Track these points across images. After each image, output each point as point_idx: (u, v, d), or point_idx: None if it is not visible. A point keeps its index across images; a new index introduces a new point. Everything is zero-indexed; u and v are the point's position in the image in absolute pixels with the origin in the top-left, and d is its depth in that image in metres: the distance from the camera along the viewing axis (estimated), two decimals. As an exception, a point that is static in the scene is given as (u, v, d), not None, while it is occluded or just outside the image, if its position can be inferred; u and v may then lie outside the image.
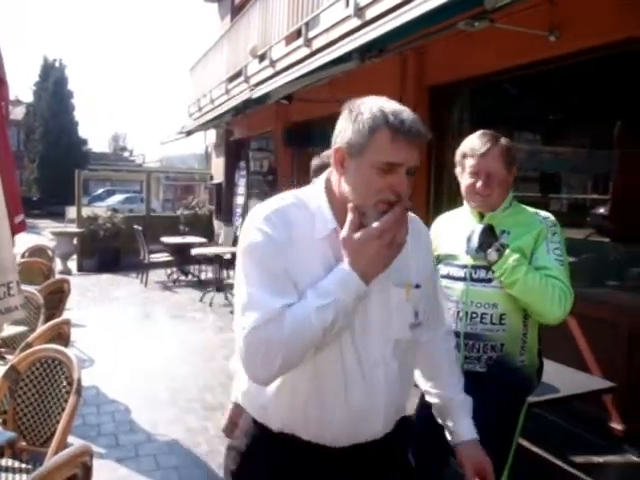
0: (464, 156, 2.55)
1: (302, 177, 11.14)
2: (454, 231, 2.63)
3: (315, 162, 2.71)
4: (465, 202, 2.63)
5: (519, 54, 5.17)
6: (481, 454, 1.89)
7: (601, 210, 5.62)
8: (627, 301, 4.65)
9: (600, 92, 5.02)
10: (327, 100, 8.66)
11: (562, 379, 3.47)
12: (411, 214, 1.74)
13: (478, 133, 2.55)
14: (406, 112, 1.60)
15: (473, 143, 2.52)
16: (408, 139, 1.57)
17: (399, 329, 1.70)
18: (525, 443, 2.59)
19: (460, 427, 1.93)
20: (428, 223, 2.80)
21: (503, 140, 2.50)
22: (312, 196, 1.73)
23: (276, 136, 11.19)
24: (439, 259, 2.62)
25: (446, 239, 2.63)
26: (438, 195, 6.43)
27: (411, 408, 2.15)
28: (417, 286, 1.72)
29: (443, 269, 2.59)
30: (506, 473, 2.45)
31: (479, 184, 2.48)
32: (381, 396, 1.68)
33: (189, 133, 15.01)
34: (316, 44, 7.40)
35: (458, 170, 2.60)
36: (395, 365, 1.70)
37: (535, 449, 2.64)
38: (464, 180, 2.56)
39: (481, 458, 1.89)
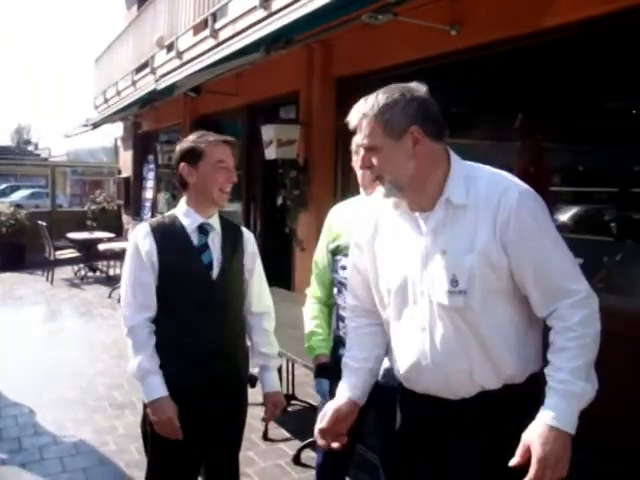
0: (359, 145, 2.55)
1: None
2: (353, 221, 2.58)
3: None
4: (362, 191, 2.61)
5: (422, 47, 5.26)
6: (534, 437, 1.68)
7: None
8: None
9: (501, 85, 5.17)
10: (235, 92, 8.61)
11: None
12: (521, 189, 1.83)
13: None
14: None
15: None
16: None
17: (439, 294, 1.84)
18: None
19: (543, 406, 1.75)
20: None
21: None
22: None
23: (185, 129, 11.01)
24: (339, 250, 2.61)
25: (346, 230, 2.61)
26: (345, 186, 6.48)
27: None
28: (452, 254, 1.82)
29: (343, 260, 2.56)
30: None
31: None
32: (426, 357, 1.89)
33: (95, 126, 14.56)
34: (223, 35, 7.32)
35: (354, 159, 2.58)
36: (441, 330, 1.86)
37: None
38: (360, 169, 2.54)
39: (531, 440, 1.68)
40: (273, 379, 2.83)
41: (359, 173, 2.56)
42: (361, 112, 1.90)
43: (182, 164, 2.57)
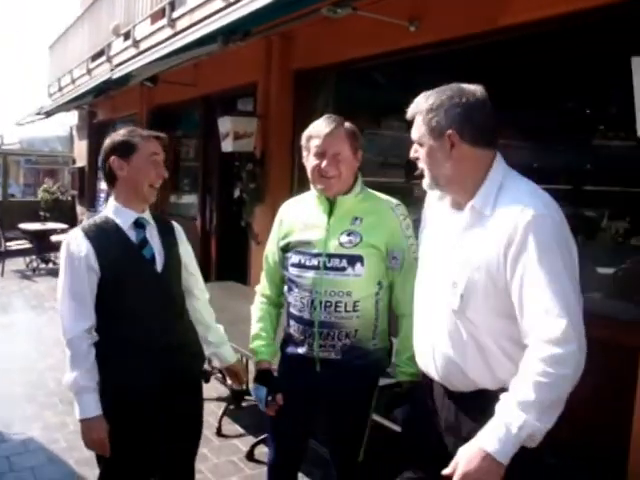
0: (309, 138, 2.51)
1: (166, 161, 10.82)
2: (304, 218, 2.58)
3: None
4: (312, 186, 2.57)
5: (381, 42, 5.24)
6: (462, 454, 1.75)
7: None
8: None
9: (458, 82, 5.19)
10: (192, 83, 8.50)
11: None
12: (539, 212, 1.82)
13: (324, 116, 2.54)
14: None
15: (318, 125, 2.50)
16: None
17: (443, 291, 1.99)
18: (380, 419, 2.68)
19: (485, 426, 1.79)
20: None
21: (348, 124, 2.52)
22: None
23: (141, 119, 10.84)
24: (289, 247, 2.57)
25: (296, 226, 2.58)
26: (301, 180, 6.44)
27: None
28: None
29: (294, 257, 2.53)
30: (362, 451, 2.49)
31: (324, 164, 2.44)
32: (431, 343, 2.06)
33: (49, 114, 14.23)
34: (181, 25, 7.21)
35: (304, 155, 2.56)
36: (443, 323, 2.01)
37: (387, 423, 2.74)
38: (309, 162, 2.51)
39: (460, 457, 1.76)
40: (230, 351, 2.91)
41: (309, 169, 2.53)
42: (415, 108, 2.05)
43: (113, 157, 2.49)
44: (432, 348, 2.06)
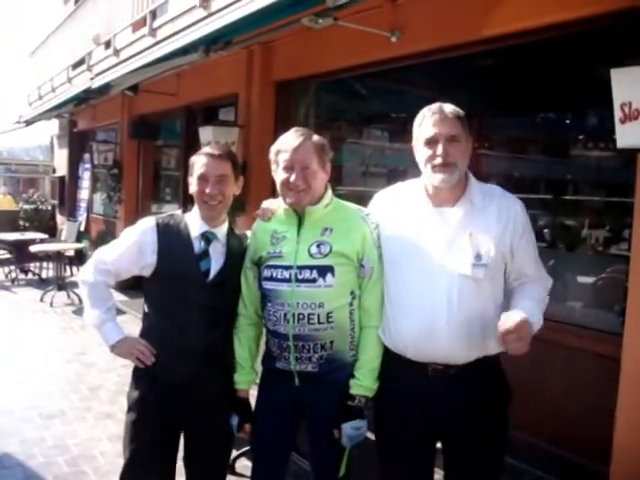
0: (277, 152, 2.50)
1: (147, 170, 10.81)
2: (274, 231, 2.57)
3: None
4: (281, 199, 2.55)
5: (363, 53, 5.26)
6: (511, 320, 2.14)
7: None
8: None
9: (439, 92, 5.21)
10: (174, 93, 8.47)
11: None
12: (519, 201, 2.43)
13: (292, 130, 2.53)
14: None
15: (286, 138, 2.49)
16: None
17: (463, 266, 2.27)
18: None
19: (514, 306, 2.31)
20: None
21: (317, 137, 2.51)
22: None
23: (122, 128, 10.79)
24: (262, 260, 2.55)
25: (268, 240, 2.56)
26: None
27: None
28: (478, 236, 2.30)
29: (266, 271, 2.51)
30: (344, 463, 2.48)
31: (293, 177, 2.43)
32: (443, 322, 2.26)
33: (28, 123, 14.13)
34: (162, 34, 7.19)
35: (273, 168, 2.55)
36: (459, 298, 2.27)
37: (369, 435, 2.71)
38: (279, 176, 2.50)
39: (512, 315, 2.18)
40: None
41: (278, 182, 2.51)
42: (454, 109, 2.38)
43: (188, 175, 2.73)
44: (445, 323, 2.27)
